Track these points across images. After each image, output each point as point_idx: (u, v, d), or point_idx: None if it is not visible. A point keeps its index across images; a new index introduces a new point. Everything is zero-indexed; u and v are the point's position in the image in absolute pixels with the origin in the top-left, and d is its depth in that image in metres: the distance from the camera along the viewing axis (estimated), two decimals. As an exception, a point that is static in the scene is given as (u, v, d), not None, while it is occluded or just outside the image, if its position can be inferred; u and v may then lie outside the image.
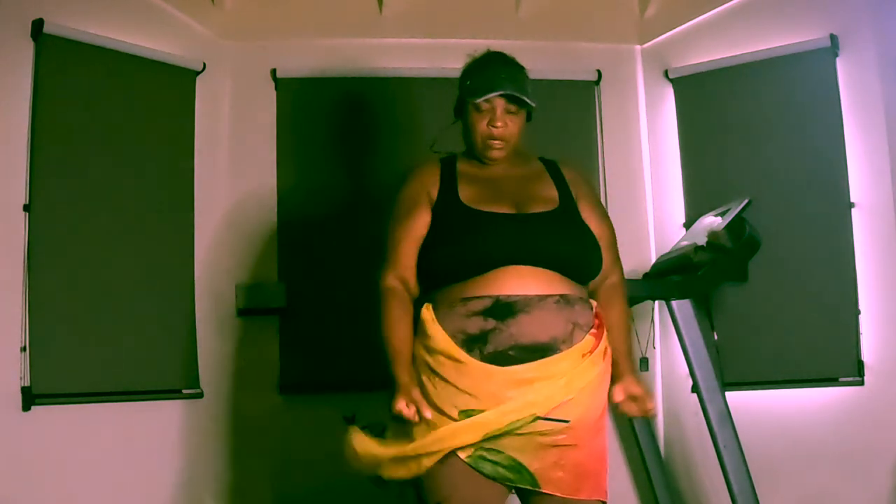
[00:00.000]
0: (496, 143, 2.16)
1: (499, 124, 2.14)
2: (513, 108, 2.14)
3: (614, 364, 2.12)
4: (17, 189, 3.08)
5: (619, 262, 2.24)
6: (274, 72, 3.78)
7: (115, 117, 3.37)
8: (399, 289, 2.11)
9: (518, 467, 2.01)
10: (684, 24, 3.86)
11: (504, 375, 1.95)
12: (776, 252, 3.32)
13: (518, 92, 2.12)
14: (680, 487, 3.69)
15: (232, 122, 3.77)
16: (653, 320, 3.74)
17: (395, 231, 2.14)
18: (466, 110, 2.18)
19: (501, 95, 2.11)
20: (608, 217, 2.25)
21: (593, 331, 2.04)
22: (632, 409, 2.13)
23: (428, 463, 1.99)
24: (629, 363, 2.15)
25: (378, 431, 2.11)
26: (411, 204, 2.15)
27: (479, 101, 2.12)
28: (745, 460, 2.93)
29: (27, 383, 3.00)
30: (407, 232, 2.12)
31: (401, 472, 2.04)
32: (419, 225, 2.12)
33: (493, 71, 2.16)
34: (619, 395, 2.10)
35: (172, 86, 3.58)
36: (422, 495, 2.05)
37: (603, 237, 2.17)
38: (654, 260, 3.60)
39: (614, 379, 2.11)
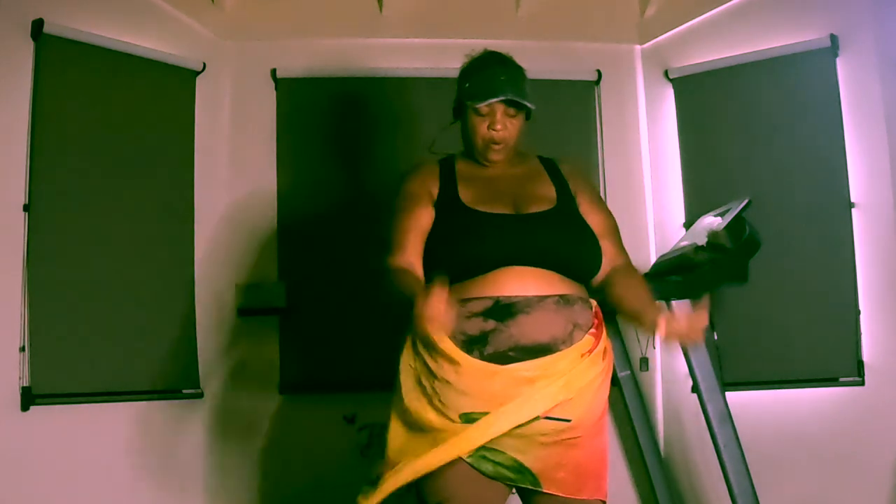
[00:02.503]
0: (496, 145, 2.16)
1: (499, 127, 2.14)
2: (512, 111, 2.14)
3: (644, 313, 2.01)
4: (17, 189, 3.09)
5: (624, 249, 2.21)
6: (274, 72, 3.78)
7: (115, 117, 3.38)
8: (409, 267, 2.04)
9: (520, 467, 2.00)
10: (684, 24, 3.86)
11: (505, 374, 1.94)
12: (776, 252, 3.32)
13: (518, 96, 2.12)
14: (680, 487, 3.68)
15: (232, 122, 3.77)
16: (653, 320, 3.73)
17: (400, 222, 2.11)
18: (466, 113, 2.18)
19: (502, 100, 2.11)
20: (607, 208, 2.24)
21: (592, 330, 2.04)
22: (681, 332, 1.93)
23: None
24: (658, 307, 2.02)
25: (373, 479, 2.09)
26: (415, 197, 2.14)
27: (479, 105, 2.12)
28: (745, 460, 2.93)
29: (27, 383, 3.00)
30: (412, 223, 2.10)
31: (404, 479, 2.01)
32: (424, 217, 2.10)
33: (492, 73, 2.15)
34: (662, 330, 1.94)
35: (172, 86, 3.58)
36: (422, 495, 2.05)
37: (605, 228, 2.16)
38: (654, 260, 3.59)
39: (650, 324, 1.98)
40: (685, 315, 1.95)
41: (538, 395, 1.94)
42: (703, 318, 1.92)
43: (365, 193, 3.70)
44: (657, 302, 2.07)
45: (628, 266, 2.18)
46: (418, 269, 2.06)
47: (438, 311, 1.73)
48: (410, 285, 1.93)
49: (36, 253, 3.08)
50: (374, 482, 2.03)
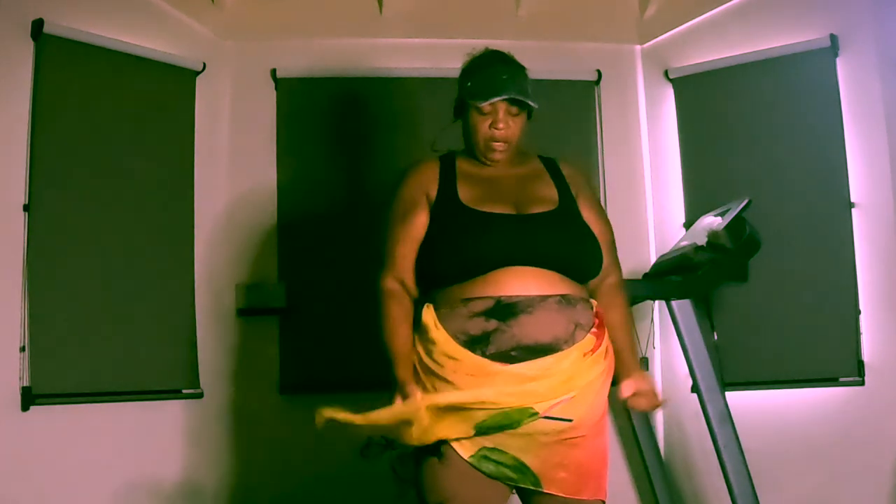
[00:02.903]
0: (498, 144, 2.16)
1: (501, 126, 2.13)
2: (514, 109, 2.14)
3: (619, 362, 2.13)
4: (17, 189, 3.09)
5: (617, 261, 2.24)
6: (274, 72, 3.78)
7: (115, 117, 3.38)
8: (398, 290, 2.11)
9: (521, 467, 2.00)
10: (684, 24, 3.86)
11: (506, 373, 1.94)
12: (776, 252, 3.32)
13: (520, 94, 2.11)
14: (680, 487, 3.69)
15: (232, 122, 3.77)
16: (653, 320, 3.74)
17: (393, 232, 2.14)
18: (467, 111, 2.18)
19: (504, 99, 2.11)
20: (606, 217, 2.25)
21: (594, 330, 2.04)
22: (640, 404, 2.18)
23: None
24: (634, 360, 2.18)
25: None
26: (410, 204, 2.15)
27: (482, 104, 2.12)
28: (745, 460, 2.93)
29: (27, 383, 3.00)
30: (405, 233, 2.12)
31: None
32: (418, 226, 2.12)
33: (494, 72, 2.15)
34: (627, 391, 2.14)
35: (172, 86, 3.58)
36: (422, 495, 2.05)
37: (601, 237, 2.16)
38: (654, 260, 3.59)
39: (620, 377, 2.14)
40: (647, 389, 2.16)
41: (539, 387, 1.93)
42: (657, 398, 2.18)
43: (365, 193, 3.70)
44: (633, 353, 2.19)
45: (617, 288, 2.22)
46: (410, 284, 2.11)
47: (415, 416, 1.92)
48: (395, 352, 2.05)
49: (36, 253, 3.08)
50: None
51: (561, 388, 1.95)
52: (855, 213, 3.41)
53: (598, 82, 3.95)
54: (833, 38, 3.46)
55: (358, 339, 3.53)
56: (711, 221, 3.11)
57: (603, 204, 2.34)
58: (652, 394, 2.17)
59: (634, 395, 2.15)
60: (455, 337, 1.98)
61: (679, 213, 3.81)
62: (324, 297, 3.66)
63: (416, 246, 2.11)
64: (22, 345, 3.01)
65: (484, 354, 1.96)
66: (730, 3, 3.72)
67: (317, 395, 3.57)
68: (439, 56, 3.63)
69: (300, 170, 3.76)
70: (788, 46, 3.56)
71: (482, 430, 1.96)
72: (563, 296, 2.01)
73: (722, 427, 2.94)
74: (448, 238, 2.06)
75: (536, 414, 1.94)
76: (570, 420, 1.97)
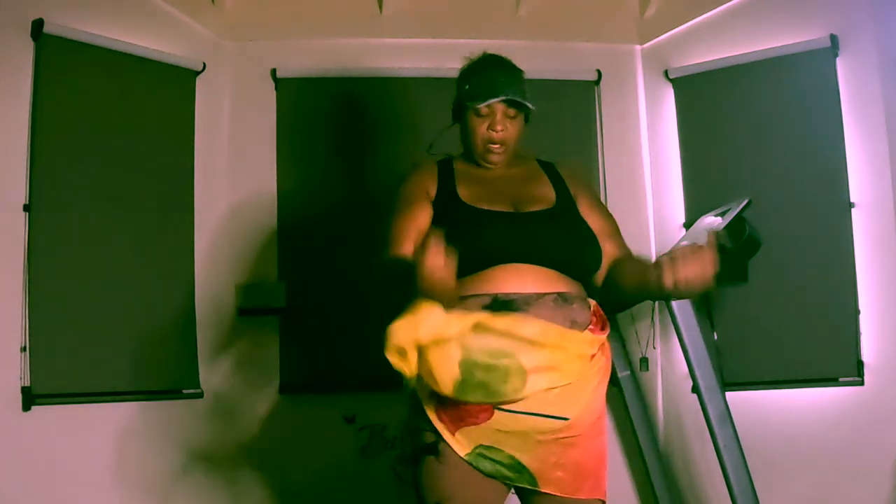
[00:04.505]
0: (496, 146, 2.17)
1: (499, 128, 2.14)
2: (512, 112, 2.15)
3: (648, 272, 1.90)
4: (17, 189, 3.09)
5: (625, 246, 2.19)
6: (274, 72, 3.78)
7: (115, 117, 3.38)
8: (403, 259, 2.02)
9: (518, 466, 2.01)
10: (684, 24, 3.86)
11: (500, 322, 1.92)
12: (776, 252, 3.32)
13: (518, 96, 2.13)
14: (680, 487, 3.69)
15: (232, 122, 3.77)
16: (653, 320, 3.74)
17: (398, 222, 2.12)
18: (466, 114, 2.18)
19: (502, 101, 2.12)
20: (607, 210, 2.25)
21: (590, 327, 2.05)
22: (690, 279, 1.81)
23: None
24: (655, 262, 1.89)
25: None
26: (413, 198, 2.15)
27: (479, 106, 2.13)
28: (745, 460, 2.93)
29: (27, 383, 3.00)
30: (410, 223, 2.10)
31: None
32: (422, 217, 2.11)
33: (491, 74, 2.16)
34: (668, 280, 1.82)
35: (172, 86, 3.58)
36: (421, 494, 2.05)
37: (606, 229, 2.17)
38: (654, 260, 3.59)
39: (658, 277, 1.84)
40: (689, 255, 1.80)
41: (536, 379, 1.92)
42: (708, 256, 1.80)
43: (365, 193, 3.71)
44: (658, 259, 1.89)
45: (630, 255, 2.16)
46: None
47: (438, 262, 1.72)
48: (406, 261, 1.90)
49: (36, 253, 3.08)
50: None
51: (556, 380, 1.92)
52: (855, 213, 3.41)
53: (598, 82, 3.95)
54: (833, 38, 3.46)
55: (358, 339, 3.55)
56: (711, 221, 3.11)
57: (602, 200, 2.33)
58: (696, 257, 1.79)
59: (679, 279, 1.80)
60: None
61: (679, 213, 3.81)
62: (324, 297, 3.66)
63: (422, 236, 2.08)
64: (22, 345, 3.01)
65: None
66: (730, 3, 3.72)
67: (317, 395, 3.61)
68: (439, 56, 3.63)
69: (300, 170, 3.76)
70: (788, 46, 3.56)
71: (468, 366, 1.87)
72: (559, 293, 2.02)
73: (722, 427, 2.95)
74: (447, 234, 2.06)
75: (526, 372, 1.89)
76: (566, 419, 1.97)
